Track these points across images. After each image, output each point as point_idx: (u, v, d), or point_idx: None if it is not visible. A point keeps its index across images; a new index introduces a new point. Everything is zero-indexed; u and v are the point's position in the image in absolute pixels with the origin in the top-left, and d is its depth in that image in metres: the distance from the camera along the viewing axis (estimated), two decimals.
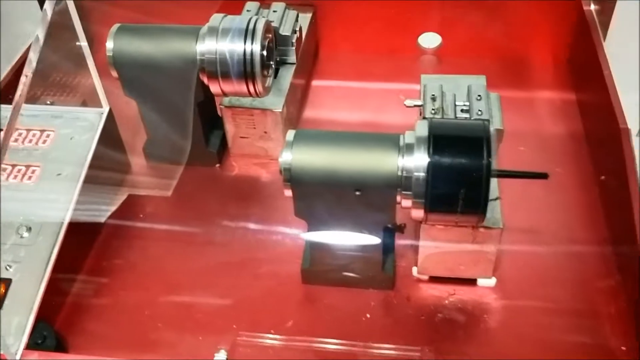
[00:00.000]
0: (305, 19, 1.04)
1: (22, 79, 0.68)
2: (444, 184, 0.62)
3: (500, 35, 1.07)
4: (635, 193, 0.73)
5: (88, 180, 0.80)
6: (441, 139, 0.63)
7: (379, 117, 1.00)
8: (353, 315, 0.73)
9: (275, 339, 0.69)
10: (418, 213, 0.65)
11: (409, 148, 0.63)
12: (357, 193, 0.65)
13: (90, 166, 0.81)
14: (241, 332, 0.69)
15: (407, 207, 0.65)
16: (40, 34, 0.73)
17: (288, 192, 0.67)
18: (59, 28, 0.81)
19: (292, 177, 0.65)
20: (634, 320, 0.69)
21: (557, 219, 0.83)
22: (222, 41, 0.79)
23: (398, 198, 0.65)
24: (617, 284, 0.74)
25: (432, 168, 0.62)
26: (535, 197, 0.85)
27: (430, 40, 1.10)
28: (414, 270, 0.77)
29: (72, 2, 0.76)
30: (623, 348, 0.69)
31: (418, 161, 0.62)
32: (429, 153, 0.62)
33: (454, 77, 0.83)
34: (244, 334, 0.69)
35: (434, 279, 0.77)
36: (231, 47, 0.79)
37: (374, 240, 0.70)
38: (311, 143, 0.66)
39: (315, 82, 1.07)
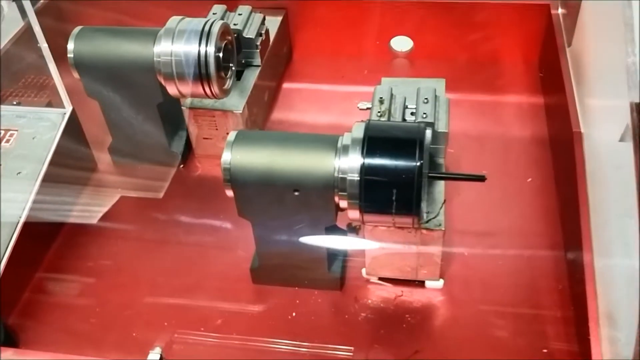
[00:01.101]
0: (275, 22, 1.05)
1: None
2: (376, 185, 0.62)
3: (472, 38, 1.07)
4: (584, 198, 0.73)
5: (50, 179, 0.82)
6: (375, 141, 0.63)
7: (346, 120, 0.98)
8: (298, 315, 0.74)
9: (211, 338, 0.69)
10: (354, 214, 0.65)
11: (345, 149, 0.64)
12: (296, 193, 0.66)
13: (54, 165, 0.82)
14: (179, 330, 0.70)
15: (344, 207, 0.65)
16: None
17: (229, 192, 0.68)
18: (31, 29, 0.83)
19: (232, 177, 0.66)
20: (578, 325, 0.69)
21: (513, 223, 0.83)
22: (178, 43, 0.80)
23: (336, 199, 0.66)
24: (564, 289, 0.74)
25: (365, 169, 0.62)
26: (492, 200, 0.86)
27: (402, 43, 1.10)
28: (363, 271, 0.77)
29: (28, 2, 0.77)
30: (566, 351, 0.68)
31: (352, 162, 0.63)
32: (362, 154, 0.62)
33: (414, 80, 0.84)
34: (181, 332, 0.70)
35: (383, 281, 0.77)
36: (186, 48, 0.80)
37: (318, 240, 0.71)
38: (251, 144, 0.67)
39: (286, 85, 1.08)
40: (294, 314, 0.74)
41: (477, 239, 0.82)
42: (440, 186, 0.74)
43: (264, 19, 0.98)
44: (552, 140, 0.92)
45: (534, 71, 1.05)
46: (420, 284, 0.76)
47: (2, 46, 0.95)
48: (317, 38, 1.11)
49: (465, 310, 0.74)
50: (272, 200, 0.67)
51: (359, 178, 0.62)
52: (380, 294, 0.76)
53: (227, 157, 0.66)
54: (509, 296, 0.75)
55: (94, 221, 0.87)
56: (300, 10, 1.09)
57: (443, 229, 0.70)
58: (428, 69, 1.08)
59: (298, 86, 1.09)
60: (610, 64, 0.72)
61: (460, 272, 0.77)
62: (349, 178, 0.63)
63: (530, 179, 0.85)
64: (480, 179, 0.67)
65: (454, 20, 1.06)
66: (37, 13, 1.06)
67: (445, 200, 0.73)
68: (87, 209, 0.90)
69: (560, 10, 0.99)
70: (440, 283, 0.76)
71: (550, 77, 0.97)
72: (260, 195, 0.67)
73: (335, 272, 0.76)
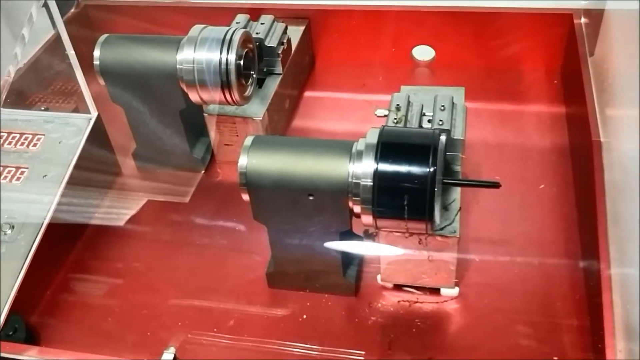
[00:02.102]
0: (297, 31, 1.06)
1: (5, 79, 0.73)
2: (389, 190, 0.63)
3: (494, 48, 1.07)
4: (601, 207, 0.72)
5: (75, 182, 0.84)
6: (389, 147, 0.64)
7: (366, 127, 0.99)
8: (312, 319, 0.74)
9: (224, 339, 0.70)
10: (367, 219, 0.66)
11: (359, 155, 0.65)
12: (310, 198, 0.67)
13: (79, 169, 0.85)
14: (193, 331, 0.71)
15: (358, 213, 0.66)
16: (26, 34, 0.76)
17: (245, 196, 0.69)
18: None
19: (248, 181, 0.68)
20: (594, 335, 0.68)
21: (531, 231, 0.82)
22: (200, 51, 0.82)
23: (349, 204, 0.66)
24: (581, 298, 0.73)
25: (378, 174, 0.63)
26: (511, 209, 0.85)
27: (423, 52, 1.10)
28: (378, 277, 0.77)
29: (57, 11, 0.80)
30: None
31: (366, 167, 0.63)
32: (376, 160, 0.63)
33: (432, 88, 0.84)
34: (195, 332, 0.71)
35: (399, 287, 0.77)
36: (207, 56, 0.82)
37: (332, 245, 0.72)
38: (267, 148, 0.68)
39: (308, 93, 1.09)
40: (305, 316, 0.75)
41: (495, 246, 0.81)
42: (457, 193, 0.74)
43: (286, 28, 0.99)
44: (572, 149, 0.92)
45: (557, 80, 1.04)
46: (436, 291, 0.76)
47: (26, 53, 0.97)
48: (339, 47, 1.13)
49: (480, 318, 0.74)
50: (286, 204, 0.68)
51: (372, 183, 0.63)
52: (394, 300, 0.76)
53: (243, 161, 0.67)
54: (525, 304, 0.74)
55: (121, 223, 0.90)
56: (323, 20, 1.10)
57: (458, 236, 0.70)
58: (450, 78, 1.08)
59: (320, 94, 1.10)
60: (632, 73, 0.72)
61: (476, 279, 0.77)
62: (362, 183, 0.64)
63: (542, 186, 0.85)
64: (495, 185, 0.67)
65: (476, 29, 1.06)
66: (68, 21, 1.11)
67: (460, 208, 0.73)
68: (115, 211, 0.93)
69: (583, 20, 0.98)
70: (455, 291, 0.76)
71: (572, 86, 0.97)
72: (275, 200, 0.68)
73: (350, 277, 0.76)
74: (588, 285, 0.73)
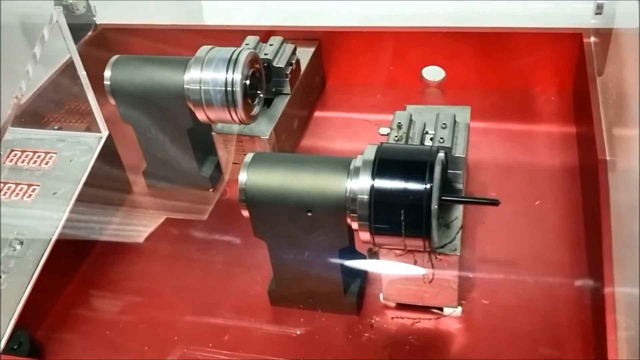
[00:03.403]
0: (307, 52, 1.08)
1: (13, 101, 0.75)
2: (385, 206, 0.63)
3: (504, 68, 1.07)
4: (606, 226, 0.71)
5: (86, 199, 0.86)
6: (386, 163, 0.64)
7: None
8: (313, 337, 0.74)
9: (222, 355, 0.70)
10: (365, 235, 0.65)
11: (357, 171, 0.65)
12: (309, 214, 0.67)
13: (89, 186, 0.86)
14: (190, 347, 0.71)
15: (356, 229, 0.66)
16: (38, 52, 0.79)
17: (245, 212, 0.69)
18: (80, 57, 0.88)
19: (247, 197, 0.68)
20: (597, 356, 0.66)
21: (537, 251, 0.81)
22: (206, 71, 0.83)
23: (348, 220, 0.66)
24: (587, 320, 0.72)
25: (374, 190, 0.63)
26: (518, 228, 0.84)
27: (433, 73, 1.11)
28: (381, 296, 0.77)
29: (69, 33, 0.82)
30: None
31: (363, 184, 0.64)
32: (372, 176, 0.63)
33: (438, 107, 0.84)
34: (193, 347, 0.71)
35: (401, 307, 0.77)
36: (214, 76, 0.83)
37: (333, 263, 0.72)
38: (267, 165, 0.69)
39: (318, 113, 1.10)
40: (306, 334, 0.75)
41: (500, 266, 0.80)
42: (458, 211, 0.73)
43: (294, 49, 1.01)
44: (581, 169, 0.91)
45: (566, 100, 1.04)
46: (439, 311, 0.75)
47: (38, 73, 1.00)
48: (350, 68, 1.13)
49: (483, 338, 0.72)
50: (286, 220, 0.69)
51: (368, 199, 0.63)
52: (397, 319, 0.76)
53: (243, 177, 0.68)
54: (529, 325, 0.73)
55: (135, 240, 0.91)
56: (334, 41, 1.11)
57: (458, 254, 0.69)
58: (459, 98, 1.07)
59: (330, 114, 1.10)
60: (637, 92, 0.71)
61: (480, 299, 0.76)
62: (359, 199, 0.64)
63: (538, 202, 0.84)
64: (494, 203, 0.66)
65: (486, 50, 1.06)
66: (86, 43, 1.14)
67: (462, 226, 0.72)
68: (127, 228, 0.94)
69: (592, 39, 0.98)
70: (458, 310, 0.75)
71: (582, 105, 0.96)
72: (274, 216, 0.69)
73: (352, 295, 0.76)
74: (594, 305, 0.72)
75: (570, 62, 1.03)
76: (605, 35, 0.92)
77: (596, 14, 0.93)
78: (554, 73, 1.05)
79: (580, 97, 1.01)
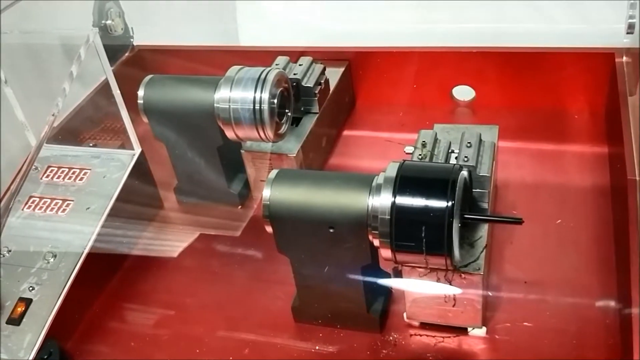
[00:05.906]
0: (337, 72, 1.09)
1: (49, 118, 0.78)
2: (406, 223, 0.63)
3: (535, 87, 1.06)
4: (635, 247, 0.69)
5: (117, 214, 0.88)
6: (407, 180, 0.64)
7: None
8: (335, 354, 0.74)
9: None
10: (386, 252, 0.66)
11: (378, 188, 0.65)
12: (331, 230, 0.68)
13: (121, 202, 0.89)
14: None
15: (377, 246, 0.66)
16: (74, 71, 0.82)
17: (269, 228, 0.70)
18: (118, 77, 0.91)
19: (270, 213, 0.69)
20: None
21: (565, 272, 0.80)
22: (236, 90, 0.85)
23: (369, 237, 0.67)
24: (615, 343, 0.70)
25: (395, 208, 0.63)
26: (547, 248, 0.83)
27: (463, 92, 1.11)
28: (404, 315, 0.76)
29: (104, 53, 0.85)
30: None
31: (384, 201, 0.64)
32: (394, 193, 0.64)
33: (465, 127, 0.84)
34: None
35: (425, 326, 0.76)
36: (243, 95, 0.85)
37: (355, 280, 0.72)
38: (290, 181, 0.70)
39: (347, 132, 1.11)
40: (328, 351, 0.75)
41: (527, 286, 0.79)
42: (483, 230, 0.73)
43: (324, 69, 1.02)
44: (613, 190, 0.89)
45: (598, 120, 1.02)
46: (463, 330, 0.75)
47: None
48: (379, 88, 1.14)
49: (506, 359, 0.71)
50: (308, 237, 0.69)
51: (389, 217, 0.63)
52: (420, 339, 0.75)
53: (266, 194, 0.69)
54: (555, 347, 0.71)
55: (170, 255, 0.93)
56: (364, 61, 1.13)
57: (482, 273, 0.69)
58: (490, 118, 1.06)
59: (359, 133, 1.11)
60: None
61: (505, 319, 0.75)
62: (380, 216, 0.64)
63: (559, 221, 0.83)
64: (517, 221, 0.66)
65: (516, 69, 1.06)
66: (123, 64, 1.18)
67: (487, 245, 0.72)
68: (157, 243, 0.96)
69: (625, 59, 0.96)
70: (482, 330, 0.74)
71: (614, 125, 0.94)
72: (297, 232, 0.70)
73: (375, 313, 0.76)
74: (621, 328, 0.70)
75: (602, 82, 1.01)
76: (637, 55, 0.90)
77: (628, 33, 0.92)
78: (586, 93, 1.03)
79: (612, 117, 0.99)
